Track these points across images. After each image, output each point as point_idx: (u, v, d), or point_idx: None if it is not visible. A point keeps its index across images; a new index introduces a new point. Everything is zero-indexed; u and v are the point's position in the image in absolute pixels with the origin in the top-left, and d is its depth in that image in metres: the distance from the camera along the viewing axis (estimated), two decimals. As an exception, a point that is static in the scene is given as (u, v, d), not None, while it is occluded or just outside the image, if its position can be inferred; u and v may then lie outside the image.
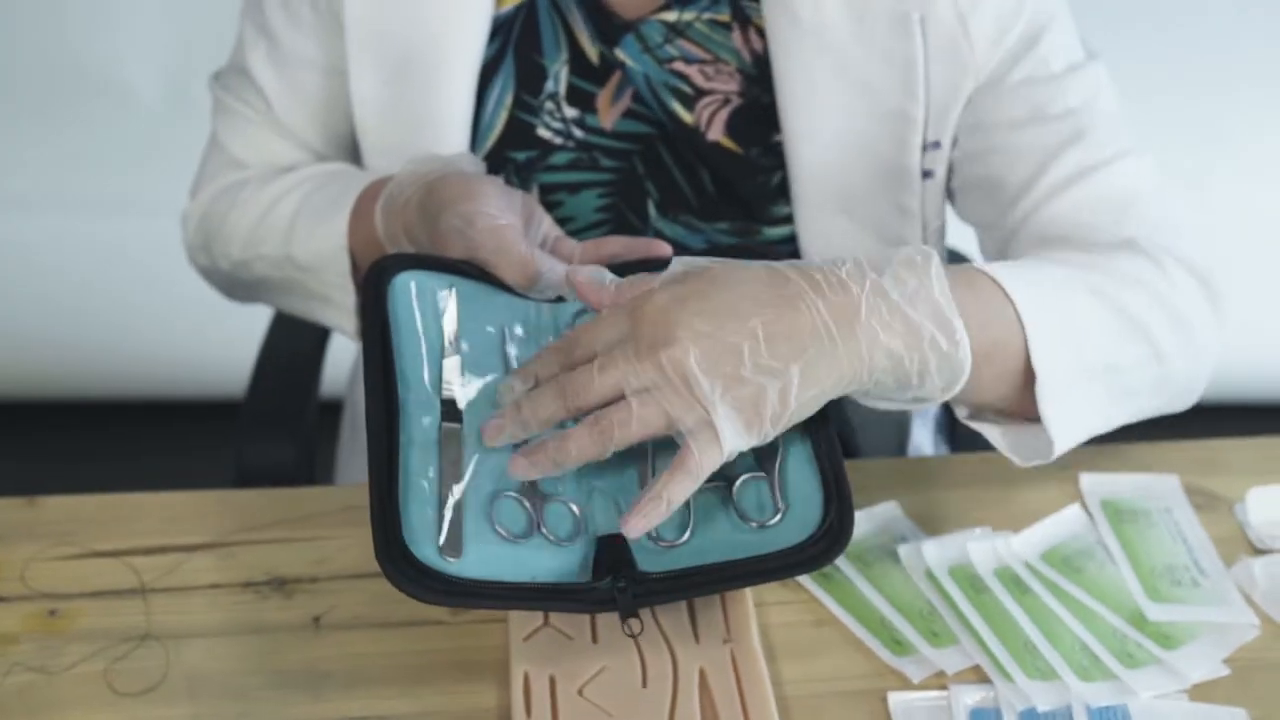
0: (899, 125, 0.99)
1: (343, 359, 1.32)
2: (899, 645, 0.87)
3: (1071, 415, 0.85)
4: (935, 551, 0.92)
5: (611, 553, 0.81)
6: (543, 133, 1.03)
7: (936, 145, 1.01)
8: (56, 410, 2.10)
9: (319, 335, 1.27)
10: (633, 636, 0.82)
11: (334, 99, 1.06)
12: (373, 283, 0.86)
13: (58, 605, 0.88)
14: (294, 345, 1.26)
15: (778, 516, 0.81)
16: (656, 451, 0.84)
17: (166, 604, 0.88)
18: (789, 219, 1.02)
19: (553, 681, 0.82)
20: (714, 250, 0.87)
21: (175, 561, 0.91)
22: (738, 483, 0.83)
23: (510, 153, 1.03)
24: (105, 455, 2.00)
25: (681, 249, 1.02)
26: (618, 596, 0.78)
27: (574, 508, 0.83)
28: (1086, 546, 0.93)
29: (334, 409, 1.33)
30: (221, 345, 1.43)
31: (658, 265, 0.89)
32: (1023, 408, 0.86)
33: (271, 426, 1.19)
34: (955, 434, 1.27)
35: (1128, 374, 0.87)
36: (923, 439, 1.22)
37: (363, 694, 0.83)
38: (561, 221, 1.04)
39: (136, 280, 1.87)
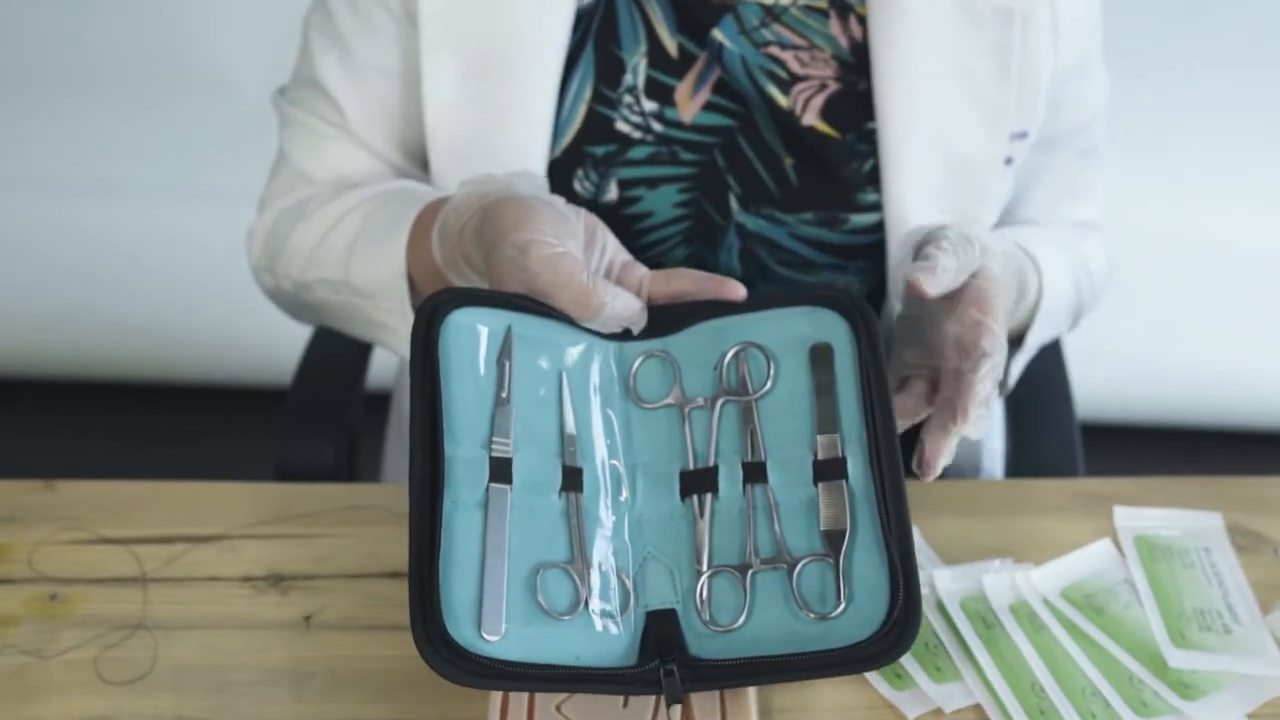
0: (990, 116, 1.01)
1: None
2: (899, 679, 0.83)
3: (1016, 375, 1.07)
4: (948, 581, 0.88)
5: (660, 631, 0.78)
6: (621, 126, 1.01)
7: (1024, 135, 1.03)
8: (126, 391, 2.16)
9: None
10: None
11: (410, 104, 1.04)
12: (424, 323, 0.81)
13: (59, 590, 0.89)
14: (340, 342, 1.25)
15: (840, 608, 0.76)
16: (714, 518, 0.81)
17: (164, 594, 0.89)
18: (876, 206, 1.01)
19: (532, 696, 0.80)
20: (764, 297, 0.85)
21: (178, 552, 0.91)
22: (799, 566, 0.78)
23: (588, 147, 1.02)
24: (166, 437, 2.07)
25: (765, 241, 1.02)
26: (663, 680, 0.75)
27: (625, 580, 0.79)
28: (1111, 585, 0.89)
29: (383, 401, 1.33)
30: (287, 335, 1.43)
31: (729, 306, 0.84)
32: None
33: (313, 425, 1.19)
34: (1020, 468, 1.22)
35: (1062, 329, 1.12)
36: (993, 467, 1.18)
37: (343, 696, 0.82)
38: (640, 217, 1.02)
39: (219, 268, 1.90)
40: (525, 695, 0.80)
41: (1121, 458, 1.19)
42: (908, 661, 0.84)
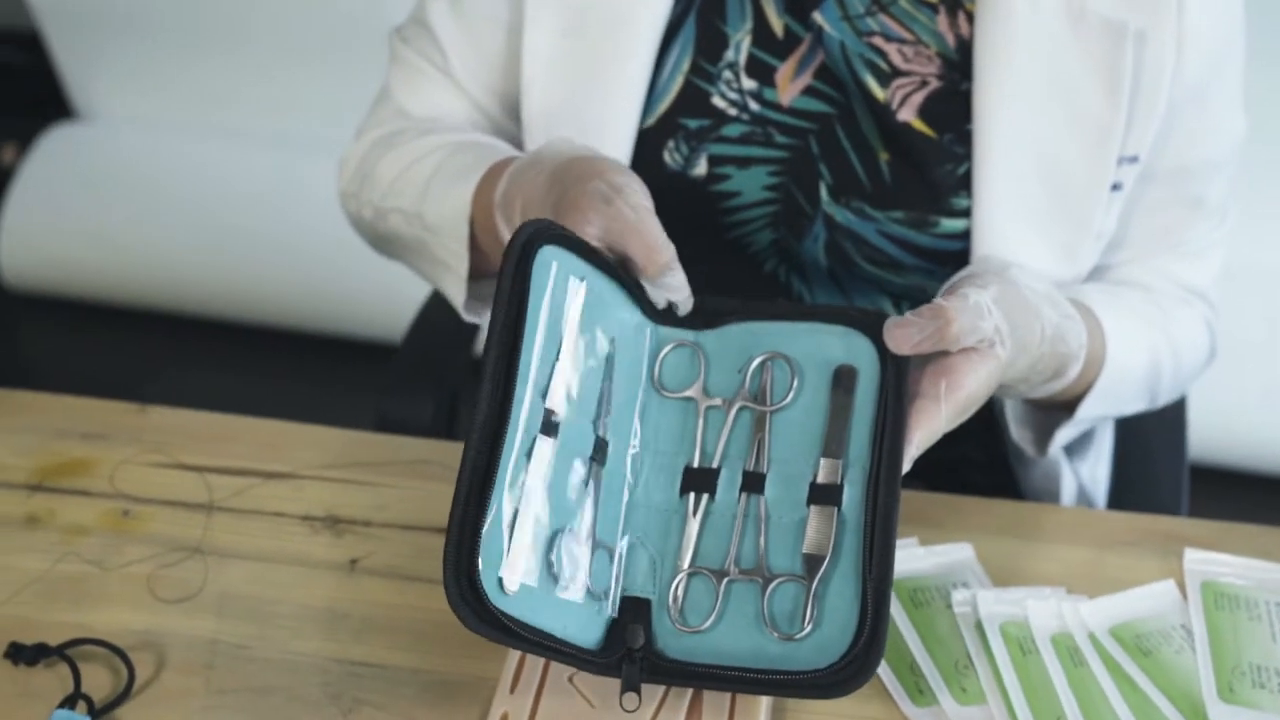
0: (1095, 135, 0.96)
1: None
2: (921, 694, 0.81)
3: (1061, 442, 1.03)
4: (992, 603, 0.85)
5: (633, 618, 0.78)
6: (718, 102, 1.01)
7: (1134, 159, 0.98)
8: (263, 334, 2.27)
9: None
10: (629, 711, 0.77)
11: (513, 57, 1.05)
12: (517, 249, 0.77)
13: (132, 507, 0.93)
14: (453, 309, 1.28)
15: (805, 631, 0.76)
16: (706, 519, 0.80)
17: (226, 523, 0.92)
18: (967, 212, 0.98)
19: (548, 663, 0.81)
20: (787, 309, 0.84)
21: (248, 485, 0.95)
22: (774, 583, 0.78)
23: (682, 119, 1.02)
24: (290, 379, 2.17)
25: (852, 235, 1.01)
26: (625, 668, 0.76)
27: (618, 559, 0.80)
28: (1166, 628, 0.85)
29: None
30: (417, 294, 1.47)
31: (768, 311, 0.84)
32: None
33: (415, 382, 1.22)
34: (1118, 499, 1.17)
35: (1130, 409, 1.05)
36: (1096, 494, 1.14)
37: (372, 640, 0.84)
38: (728, 195, 1.02)
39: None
40: (543, 662, 0.81)
41: (1234, 508, 1.13)
42: (933, 679, 0.82)
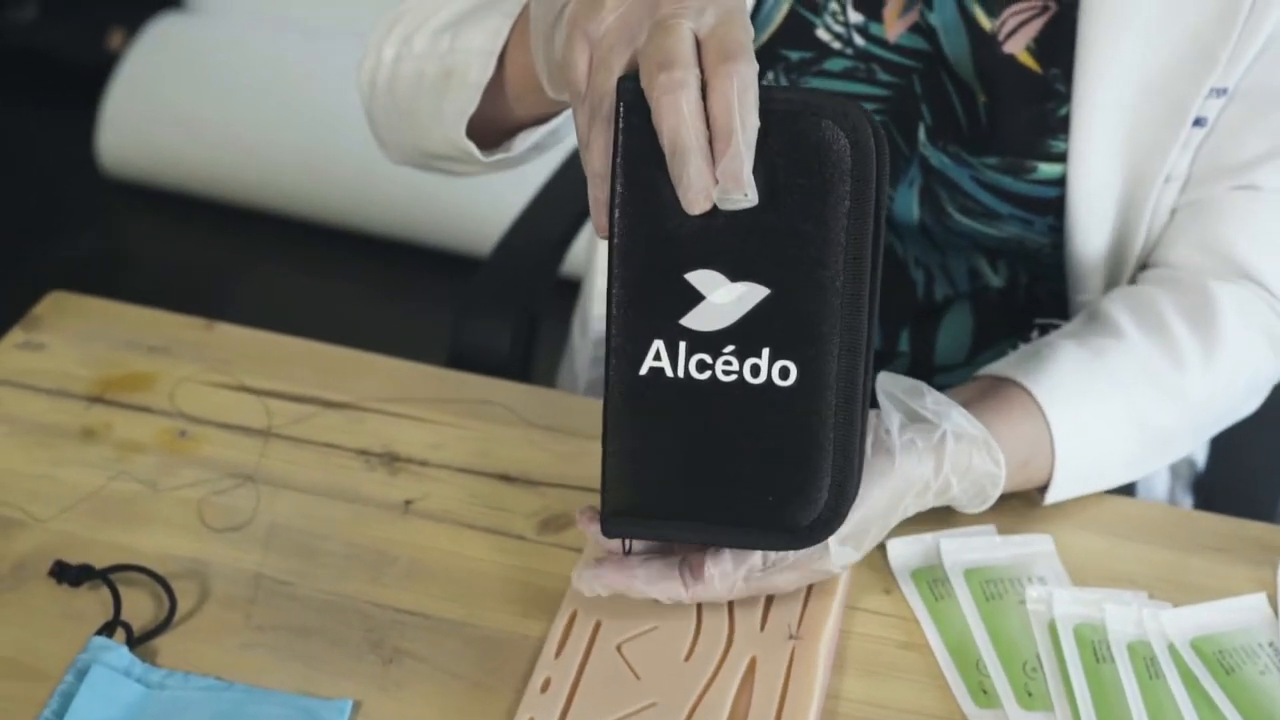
0: (1198, 65, 0.90)
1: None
2: (984, 695, 0.77)
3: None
4: (1068, 603, 0.81)
5: None
6: (822, 34, 0.96)
7: (1223, 92, 0.91)
8: (352, 238, 2.28)
9: (571, 219, 1.25)
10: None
11: None
12: None
13: (189, 427, 0.91)
14: (541, 230, 1.25)
15: None
16: None
17: (282, 451, 0.90)
18: (1064, 156, 0.93)
19: (597, 628, 0.78)
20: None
21: (308, 413, 0.93)
22: None
23: (784, 50, 0.97)
24: (377, 286, 2.15)
25: (947, 182, 0.96)
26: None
27: None
28: (1252, 645, 0.80)
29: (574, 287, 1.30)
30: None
31: None
32: None
33: (495, 304, 1.19)
34: (1211, 490, 1.11)
35: (1140, 473, 0.92)
36: (1157, 483, 1.08)
37: (417, 587, 0.82)
38: None
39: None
40: (592, 627, 0.78)
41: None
42: (999, 679, 0.78)
